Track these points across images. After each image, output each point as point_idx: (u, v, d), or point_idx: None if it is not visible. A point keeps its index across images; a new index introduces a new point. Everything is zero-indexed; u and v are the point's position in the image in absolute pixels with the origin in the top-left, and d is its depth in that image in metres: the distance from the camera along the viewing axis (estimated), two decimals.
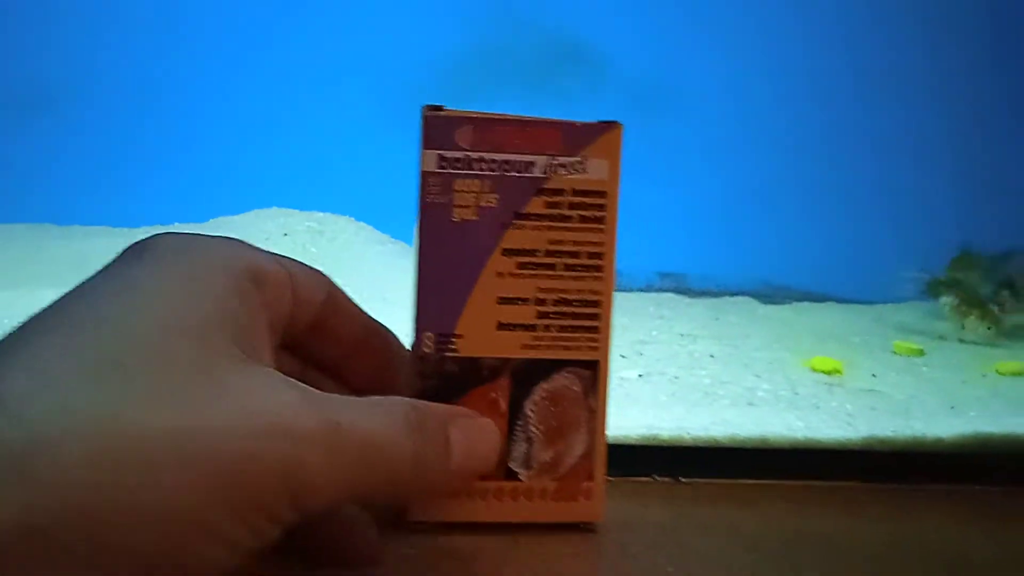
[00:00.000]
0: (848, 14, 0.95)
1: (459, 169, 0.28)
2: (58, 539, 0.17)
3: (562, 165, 0.28)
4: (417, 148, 0.28)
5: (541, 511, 0.29)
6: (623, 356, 0.54)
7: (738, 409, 0.41)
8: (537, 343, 0.28)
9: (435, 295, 0.28)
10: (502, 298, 0.28)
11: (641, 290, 0.87)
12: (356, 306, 0.27)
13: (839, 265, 0.90)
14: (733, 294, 0.84)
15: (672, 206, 0.94)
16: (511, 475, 0.28)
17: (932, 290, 0.72)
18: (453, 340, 0.28)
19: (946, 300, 0.71)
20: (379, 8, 0.92)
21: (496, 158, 0.28)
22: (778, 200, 0.95)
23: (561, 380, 0.28)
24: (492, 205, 0.28)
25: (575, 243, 0.28)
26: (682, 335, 0.62)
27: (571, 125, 0.28)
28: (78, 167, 0.89)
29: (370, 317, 0.27)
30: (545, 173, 0.28)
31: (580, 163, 0.28)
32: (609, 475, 0.34)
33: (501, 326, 0.28)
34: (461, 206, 0.28)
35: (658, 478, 0.36)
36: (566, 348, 0.28)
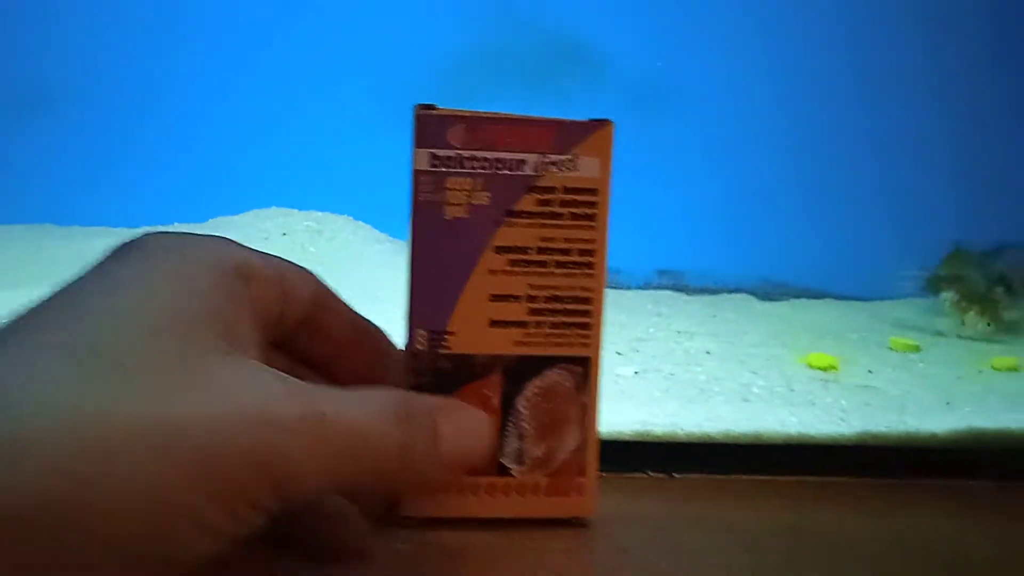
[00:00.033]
0: (846, 12, 0.96)
1: (451, 167, 0.28)
2: (41, 527, 0.17)
3: (553, 163, 0.28)
4: (410, 147, 0.28)
5: (533, 506, 0.29)
6: (620, 354, 0.54)
7: (732, 405, 0.42)
8: (529, 340, 0.29)
9: (428, 292, 0.28)
10: (494, 295, 0.28)
11: (640, 288, 0.87)
12: (346, 305, 0.27)
13: (837, 262, 0.90)
14: (731, 291, 0.85)
15: (671, 204, 0.94)
16: (503, 471, 0.29)
17: (932, 286, 0.72)
18: (446, 337, 0.28)
19: (947, 296, 0.71)
20: (378, 8, 0.92)
21: (488, 156, 0.28)
22: (777, 198, 0.95)
23: (553, 376, 0.29)
24: (484, 203, 0.28)
25: (567, 240, 0.29)
26: (679, 332, 0.63)
27: (562, 123, 0.29)
28: (77, 167, 0.90)
29: (360, 316, 0.27)
30: (537, 171, 0.28)
31: (571, 161, 0.28)
32: (603, 471, 0.34)
33: (493, 323, 0.28)
34: (453, 204, 0.28)
35: (652, 474, 0.36)
36: (558, 345, 0.29)
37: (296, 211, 0.87)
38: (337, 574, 0.25)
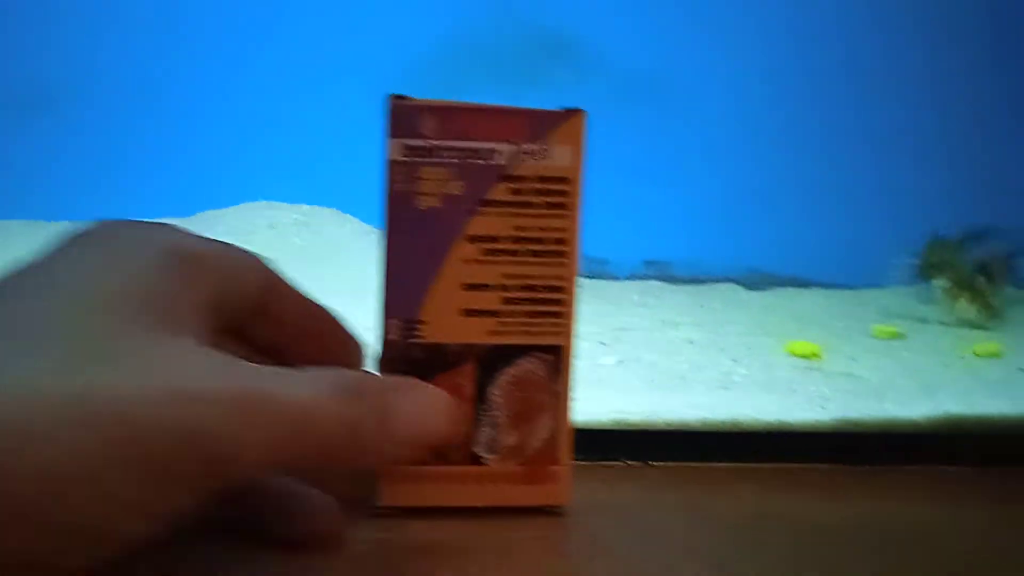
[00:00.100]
0: (840, 2, 0.96)
1: (424, 157, 0.28)
2: None
3: (526, 152, 0.28)
4: (383, 136, 0.28)
5: (507, 495, 0.29)
6: (603, 343, 0.54)
7: (712, 393, 0.42)
8: (502, 329, 0.29)
9: (400, 282, 0.28)
10: (467, 284, 0.28)
11: (627, 278, 0.87)
12: (299, 291, 0.27)
13: (825, 251, 0.90)
14: (718, 281, 0.85)
15: (658, 195, 0.94)
16: (477, 460, 0.29)
17: (923, 273, 0.73)
18: (418, 326, 0.28)
19: (938, 283, 0.71)
20: (365, 1, 0.92)
21: (460, 146, 0.28)
22: (765, 188, 0.95)
23: (526, 365, 0.29)
24: (457, 192, 0.28)
25: (540, 229, 0.29)
26: (664, 322, 0.63)
27: (535, 113, 0.29)
28: (66, 163, 0.89)
29: (313, 301, 0.27)
30: (509, 160, 0.28)
31: (544, 150, 0.29)
32: (580, 460, 0.34)
33: (466, 312, 0.28)
34: (426, 194, 0.28)
35: (629, 462, 0.36)
36: (531, 333, 0.29)
37: (283, 204, 0.87)
38: (310, 565, 0.25)
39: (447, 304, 0.28)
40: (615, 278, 0.86)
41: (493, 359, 0.29)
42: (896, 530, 0.31)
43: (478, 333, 0.28)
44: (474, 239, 0.28)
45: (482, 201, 0.28)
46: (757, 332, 0.60)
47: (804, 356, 0.52)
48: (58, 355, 0.18)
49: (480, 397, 0.29)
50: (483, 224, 0.28)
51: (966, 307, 0.69)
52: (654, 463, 0.36)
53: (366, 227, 0.83)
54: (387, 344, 0.28)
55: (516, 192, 0.28)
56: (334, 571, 0.25)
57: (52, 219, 0.85)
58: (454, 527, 0.28)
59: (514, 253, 0.29)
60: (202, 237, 0.24)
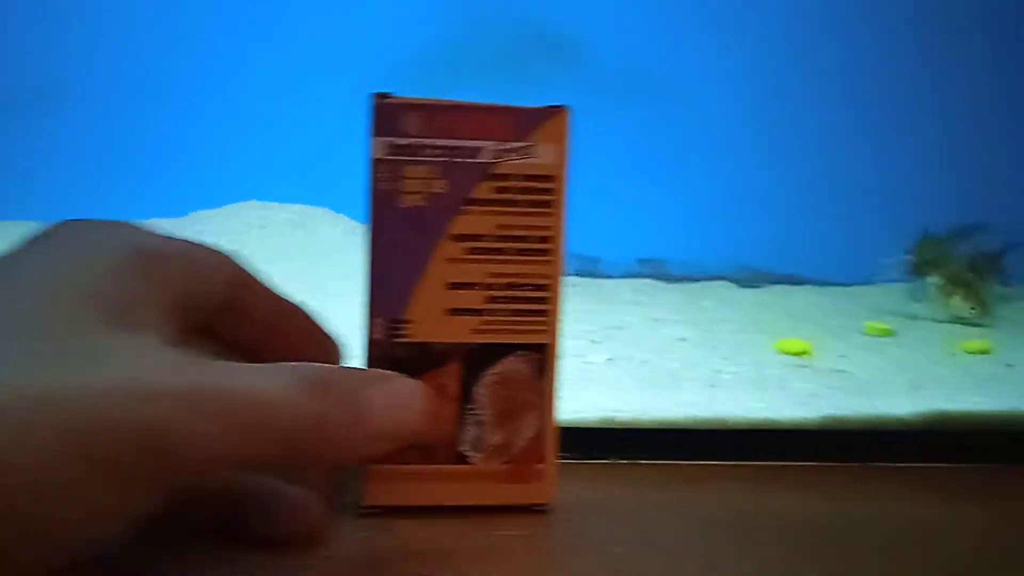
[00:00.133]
0: (835, 1, 0.96)
1: (408, 156, 0.28)
2: None
3: (510, 150, 0.28)
4: (367, 135, 0.28)
5: (493, 494, 0.29)
6: (595, 342, 0.54)
7: (700, 391, 0.42)
8: (487, 328, 0.29)
9: (385, 281, 0.28)
10: (452, 283, 0.28)
11: (621, 277, 0.87)
12: (269, 288, 0.26)
13: (818, 249, 0.90)
14: (712, 279, 0.85)
15: (651, 193, 0.94)
16: (462, 459, 0.29)
17: (918, 270, 0.73)
18: (403, 326, 0.28)
19: (933, 280, 0.71)
20: (355, 1, 0.92)
21: (445, 144, 0.28)
22: (759, 185, 0.95)
23: (511, 364, 0.29)
24: (441, 191, 0.28)
25: (524, 228, 0.29)
26: (656, 320, 0.63)
27: (518, 110, 0.29)
28: (57, 165, 0.89)
29: (287, 299, 0.27)
30: (493, 159, 0.28)
31: (528, 148, 0.28)
32: (568, 458, 0.34)
33: (451, 311, 0.28)
34: (410, 192, 0.28)
35: (617, 460, 0.36)
36: (515, 332, 0.29)
37: (276, 204, 0.87)
38: (295, 565, 0.25)
39: (432, 303, 0.28)
40: (609, 276, 0.86)
41: (478, 358, 0.29)
42: (884, 527, 0.31)
43: (463, 332, 0.28)
44: (458, 238, 0.28)
45: (466, 199, 0.28)
46: (749, 330, 0.60)
47: (794, 353, 0.52)
48: (17, 353, 0.18)
49: (465, 396, 0.29)
50: (467, 223, 0.28)
51: (960, 304, 0.69)
52: (642, 461, 0.36)
53: (358, 226, 0.83)
54: (372, 344, 0.28)
55: (500, 190, 0.28)
56: (319, 571, 0.25)
57: (42, 219, 0.85)
58: (439, 526, 0.28)
59: (499, 252, 0.28)
60: (167, 236, 0.24)
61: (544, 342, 0.29)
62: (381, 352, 0.28)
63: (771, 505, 0.32)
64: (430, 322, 0.28)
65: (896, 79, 0.96)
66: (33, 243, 0.22)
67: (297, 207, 0.85)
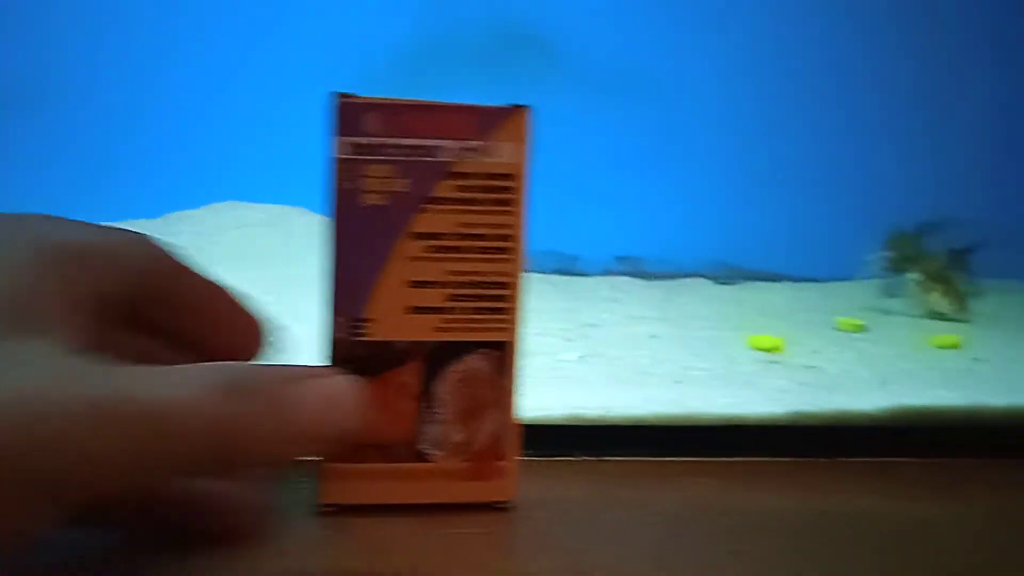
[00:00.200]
0: None
1: (369, 155, 0.28)
2: None
3: (471, 149, 0.29)
4: (329, 135, 0.28)
5: (454, 491, 0.29)
6: (568, 340, 0.54)
7: (669, 388, 0.42)
8: (448, 326, 0.29)
9: (346, 280, 0.28)
10: (413, 282, 0.28)
11: (599, 275, 0.87)
12: (196, 272, 0.26)
13: (794, 245, 0.90)
14: (689, 276, 0.85)
15: (629, 190, 0.94)
16: (423, 457, 0.29)
17: (896, 266, 0.73)
18: (364, 324, 0.28)
19: (912, 276, 0.71)
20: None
21: (406, 143, 0.28)
22: (737, 182, 0.95)
23: (472, 362, 0.29)
24: (402, 190, 0.28)
25: (485, 226, 0.29)
26: (631, 317, 0.63)
27: (479, 109, 0.29)
28: (28, 165, 0.89)
29: (213, 282, 0.26)
30: (454, 157, 0.28)
31: (489, 146, 0.29)
32: (534, 455, 0.34)
33: (412, 309, 0.28)
34: (371, 191, 0.28)
35: (583, 457, 0.36)
36: (477, 330, 0.29)
37: (252, 204, 0.87)
38: (252, 565, 0.25)
39: (393, 301, 0.28)
40: (587, 274, 0.86)
41: (439, 356, 0.29)
42: (851, 522, 0.31)
43: (424, 330, 0.29)
44: (419, 236, 0.28)
45: (427, 198, 0.28)
46: (723, 326, 0.61)
47: (766, 349, 0.53)
48: None
49: (426, 394, 0.29)
50: (428, 221, 0.28)
51: (939, 300, 0.70)
52: (608, 458, 0.36)
53: None
54: (334, 342, 0.28)
55: (461, 189, 0.29)
56: (276, 571, 0.25)
57: None
58: (399, 524, 0.28)
59: (459, 250, 0.29)
60: (80, 225, 0.23)
61: (505, 340, 0.29)
62: (343, 350, 0.28)
63: (736, 500, 0.32)
64: (391, 320, 0.28)
65: (875, 77, 0.96)
66: None
67: (274, 207, 0.85)
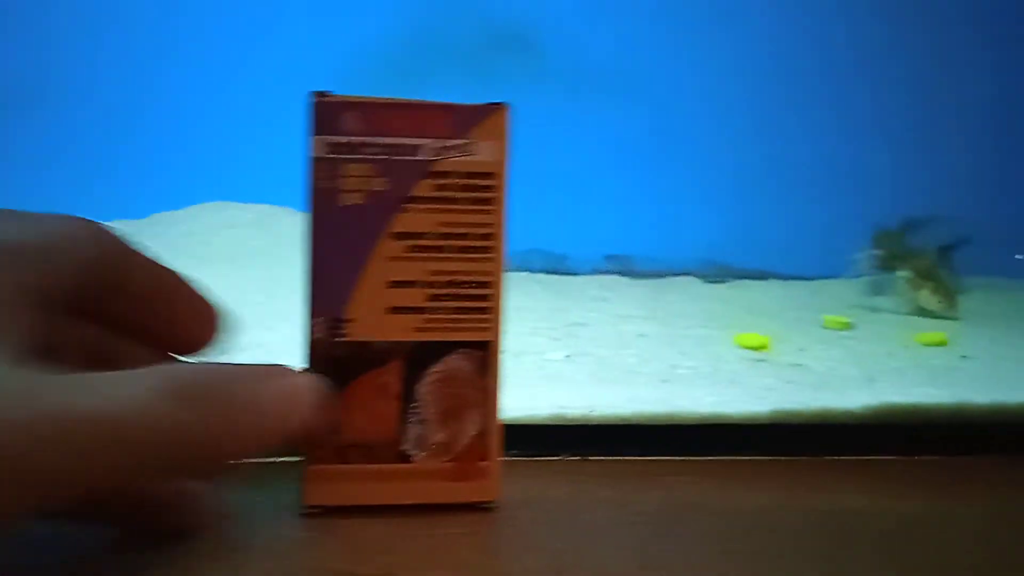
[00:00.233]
0: None
1: (347, 154, 0.28)
2: None
3: (450, 148, 0.28)
4: (306, 134, 0.28)
5: (436, 492, 0.29)
6: (556, 339, 0.54)
7: (654, 387, 0.42)
8: (429, 326, 0.28)
9: (325, 280, 0.28)
10: (393, 282, 0.28)
11: (588, 274, 0.87)
12: (149, 259, 0.25)
13: (784, 244, 0.91)
14: (678, 274, 0.85)
15: (618, 190, 0.94)
16: (405, 457, 0.29)
17: (886, 264, 0.73)
18: (344, 325, 0.28)
19: (903, 274, 0.72)
20: None
21: (384, 142, 0.28)
22: (726, 181, 0.95)
23: (453, 362, 0.29)
24: (381, 189, 0.28)
25: (465, 225, 0.29)
26: (619, 316, 0.63)
27: (458, 108, 0.28)
28: (15, 165, 0.88)
29: (166, 269, 0.26)
30: (433, 156, 0.28)
31: (468, 145, 0.28)
32: (517, 455, 0.34)
33: (392, 310, 0.28)
34: (350, 191, 0.28)
35: (566, 457, 0.36)
36: (458, 330, 0.29)
37: (240, 204, 0.86)
38: (234, 564, 0.25)
39: (373, 302, 0.28)
40: (575, 274, 0.86)
41: (420, 356, 0.28)
42: (835, 520, 0.31)
43: (405, 330, 0.28)
44: (399, 236, 0.28)
45: (406, 197, 0.28)
46: (710, 325, 0.60)
47: (753, 348, 0.52)
48: None
49: (408, 395, 0.28)
50: (408, 221, 0.28)
51: (928, 297, 0.70)
52: (592, 457, 0.36)
53: None
54: (313, 343, 0.28)
55: (441, 188, 0.28)
56: (260, 570, 0.25)
57: None
58: (382, 525, 0.28)
59: (440, 249, 0.28)
60: (17, 217, 0.22)
61: (487, 339, 0.29)
62: (322, 351, 0.28)
63: (719, 499, 0.32)
64: (371, 321, 0.28)
65: (865, 76, 0.96)
66: None
67: (261, 207, 0.85)
